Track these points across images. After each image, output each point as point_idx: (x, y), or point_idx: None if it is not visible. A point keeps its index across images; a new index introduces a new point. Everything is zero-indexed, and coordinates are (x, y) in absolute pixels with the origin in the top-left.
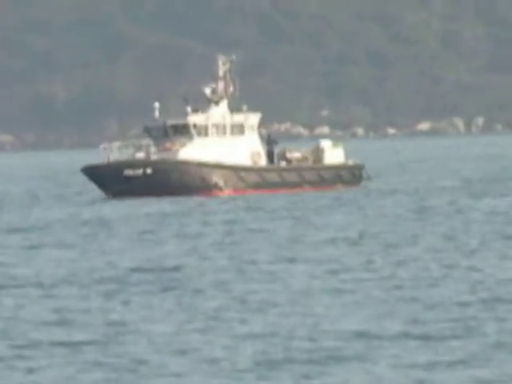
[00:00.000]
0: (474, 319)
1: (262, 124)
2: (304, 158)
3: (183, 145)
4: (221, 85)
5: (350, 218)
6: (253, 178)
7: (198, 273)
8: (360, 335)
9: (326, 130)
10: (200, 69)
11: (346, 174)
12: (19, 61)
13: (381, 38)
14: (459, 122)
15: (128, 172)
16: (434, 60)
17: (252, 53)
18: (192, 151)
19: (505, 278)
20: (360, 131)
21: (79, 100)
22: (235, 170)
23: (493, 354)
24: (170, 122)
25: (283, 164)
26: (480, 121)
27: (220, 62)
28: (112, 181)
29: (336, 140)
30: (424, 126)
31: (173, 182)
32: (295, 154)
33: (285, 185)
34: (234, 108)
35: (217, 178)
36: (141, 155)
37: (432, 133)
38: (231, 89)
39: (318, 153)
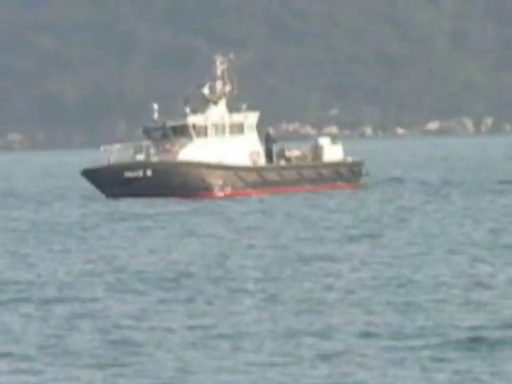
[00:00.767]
0: None
1: (269, 124)
2: (303, 156)
3: (183, 146)
4: (219, 84)
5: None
6: (252, 177)
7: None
8: None
9: (334, 129)
10: (209, 69)
11: (345, 171)
12: (29, 60)
13: (390, 37)
14: (468, 122)
15: (128, 174)
16: (443, 59)
17: (261, 52)
18: (192, 152)
19: None
20: (369, 131)
21: (89, 99)
22: (235, 170)
23: None
24: (170, 123)
25: (282, 163)
26: (489, 121)
27: (218, 62)
28: (112, 183)
29: (344, 139)
30: (433, 125)
31: (173, 183)
32: (294, 152)
33: (284, 183)
34: (232, 107)
35: (216, 178)
36: (141, 157)
37: (441, 132)
38: (229, 88)
39: (317, 150)
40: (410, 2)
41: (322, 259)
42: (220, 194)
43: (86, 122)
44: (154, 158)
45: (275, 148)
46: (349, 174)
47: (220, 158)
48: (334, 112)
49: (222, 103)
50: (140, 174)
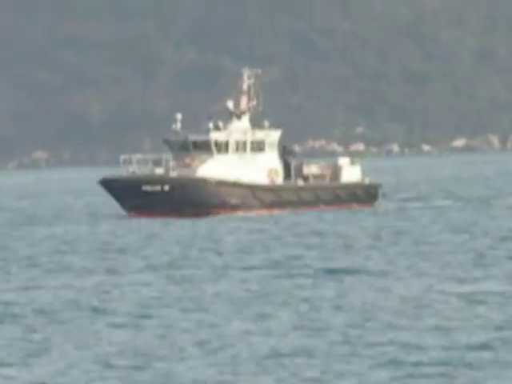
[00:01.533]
0: None
1: (295, 141)
2: (321, 175)
3: (203, 161)
4: (244, 99)
5: None
6: (269, 196)
7: None
8: None
9: (361, 146)
10: (235, 83)
11: (362, 192)
12: (54, 78)
13: (416, 55)
14: (494, 139)
15: (146, 188)
16: (469, 77)
17: (286, 70)
18: (211, 168)
19: None
20: (395, 148)
21: (114, 117)
22: (251, 188)
23: None
24: (192, 137)
25: (300, 181)
26: None
27: (245, 76)
28: (130, 195)
29: (370, 156)
30: (459, 142)
31: (190, 199)
32: (313, 169)
33: (301, 204)
34: (255, 123)
35: (233, 196)
36: (160, 171)
37: (467, 149)
38: (254, 103)
39: (336, 170)
40: (436, 20)
41: None
42: (235, 211)
43: (110, 139)
44: (173, 173)
45: (294, 162)
46: (365, 195)
47: (239, 175)
48: (360, 129)
49: (246, 118)
50: (158, 188)
